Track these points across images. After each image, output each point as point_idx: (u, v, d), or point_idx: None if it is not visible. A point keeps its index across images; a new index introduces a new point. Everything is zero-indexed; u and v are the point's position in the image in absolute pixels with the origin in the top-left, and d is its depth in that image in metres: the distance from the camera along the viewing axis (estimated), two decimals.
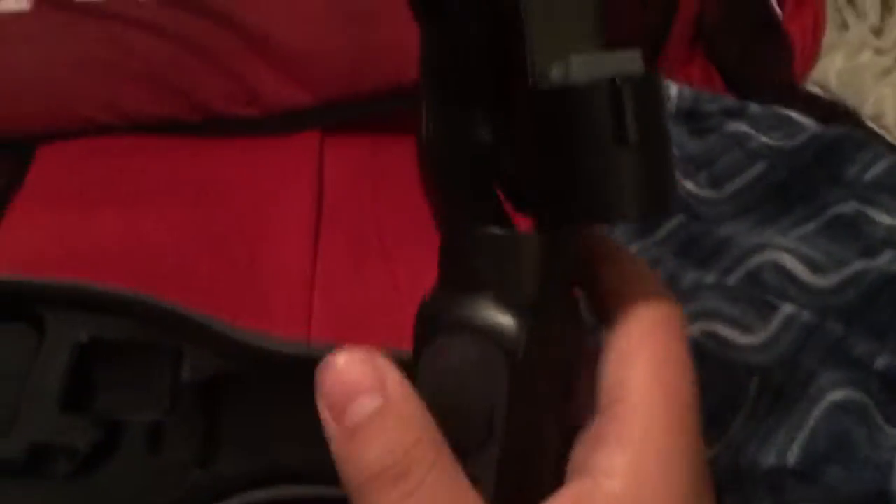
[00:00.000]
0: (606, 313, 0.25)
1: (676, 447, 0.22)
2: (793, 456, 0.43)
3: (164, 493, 0.47)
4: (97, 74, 0.69)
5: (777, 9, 0.80)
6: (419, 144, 0.26)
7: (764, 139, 0.58)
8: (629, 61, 0.22)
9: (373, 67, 0.73)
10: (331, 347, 0.52)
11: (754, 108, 0.65)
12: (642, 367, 0.23)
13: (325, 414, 0.23)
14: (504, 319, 0.23)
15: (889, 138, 0.69)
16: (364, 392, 0.22)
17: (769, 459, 0.43)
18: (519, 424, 0.23)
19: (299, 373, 0.52)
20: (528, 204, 0.24)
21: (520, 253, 0.24)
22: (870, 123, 0.71)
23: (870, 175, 0.55)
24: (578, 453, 0.24)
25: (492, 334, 0.23)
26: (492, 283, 0.23)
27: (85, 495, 0.47)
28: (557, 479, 0.24)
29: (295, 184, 0.69)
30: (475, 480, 0.22)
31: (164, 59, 0.69)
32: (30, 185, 0.65)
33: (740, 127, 0.60)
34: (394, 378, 0.22)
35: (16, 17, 0.68)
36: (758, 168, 0.57)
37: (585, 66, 0.22)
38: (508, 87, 0.24)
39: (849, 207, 0.52)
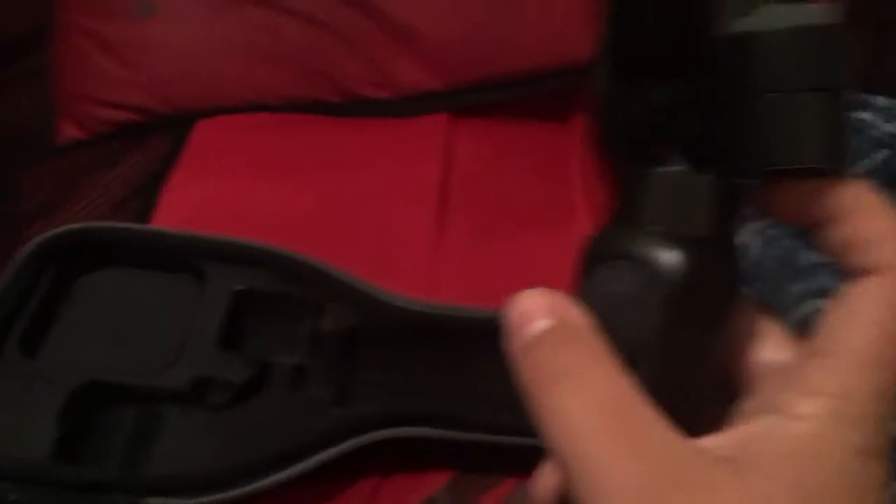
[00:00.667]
0: (851, 261, 0.24)
1: (870, 416, 0.22)
2: None
3: (306, 426, 0.52)
4: (251, 58, 0.75)
5: None
6: (594, 103, 0.27)
7: (887, 127, 0.59)
8: (813, 13, 0.22)
9: (502, 56, 0.77)
10: (453, 307, 0.57)
11: (882, 100, 0.65)
12: (865, 333, 0.22)
13: (509, 335, 0.24)
14: (666, 252, 0.23)
15: None
16: (540, 315, 0.23)
17: None
18: (668, 352, 0.23)
19: (424, 328, 0.57)
20: (709, 159, 0.25)
21: (694, 191, 0.24)
22: None
23: None
24: (769, 389, 0.23)
25: (652, 265, 0.23)
26: (661, 219, 0.24)
27: (239, 424, 0.52)
28: (713, 409, 0.24)
29: (423, 162, 0.74)
30: None
31: (313, 44, 0.74)
32: (190, 153, 0.72)
33: (863, 116, 0.61)
34: (565, 302, 0.24)
35: (176, 2, 0.76)
36: (881, 155, 0.58)
37: (770, 15, 0.22)
38: (690, 50, 0.24)
39: None
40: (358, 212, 0.69)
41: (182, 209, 0.67)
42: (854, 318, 0.23)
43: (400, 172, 0.73)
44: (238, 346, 0.55)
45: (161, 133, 0.75)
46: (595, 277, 0.25)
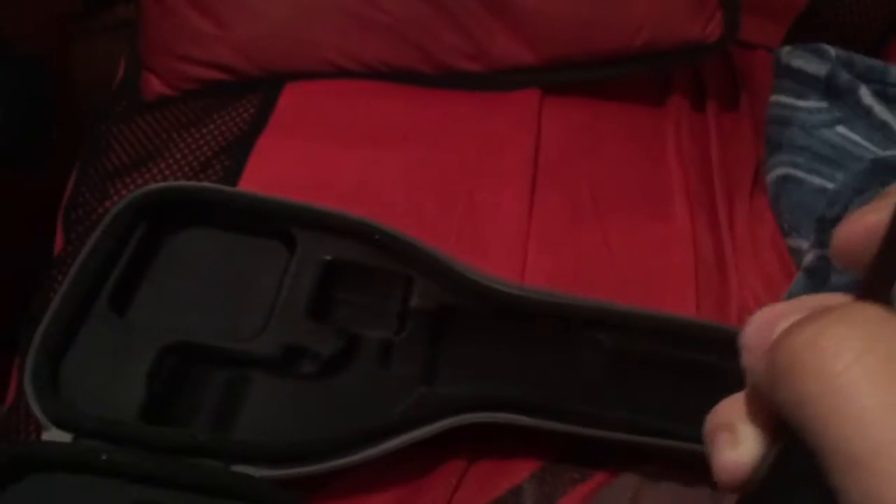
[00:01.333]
0: None
1: None
2: None
3: (393, 402, 0.51)
4: (344, 23, 0.73)
5: None
6: None
7: None
8: None
9: (598, 34, 0.74)
10: (548, 292, 0.55)
11: None
12: None
13: (747, 348, 0.19)
14: None
15: None
16: (787, 314, 0.18)
17: None
18: None
19: (515, 311, 0.55)
20: None
21: None
22: None
23: None
24: None
25: None
26: None
27: (325, 396, 0.51)
28: None
29: (514, 137, 0.72)
30: None
31: (407, 13, 0.72)
32: (278, 117, 0.71)
33: None
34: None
35: None
36: None
37: None
38: None
39: None
40: (446, 185, 0.67)
41: (269, 172, 0.66)
42: None
43: (490, 147, 0.71)
44: (326, 317, 0.54)
45: (249, 95, 0.74)
46: None
